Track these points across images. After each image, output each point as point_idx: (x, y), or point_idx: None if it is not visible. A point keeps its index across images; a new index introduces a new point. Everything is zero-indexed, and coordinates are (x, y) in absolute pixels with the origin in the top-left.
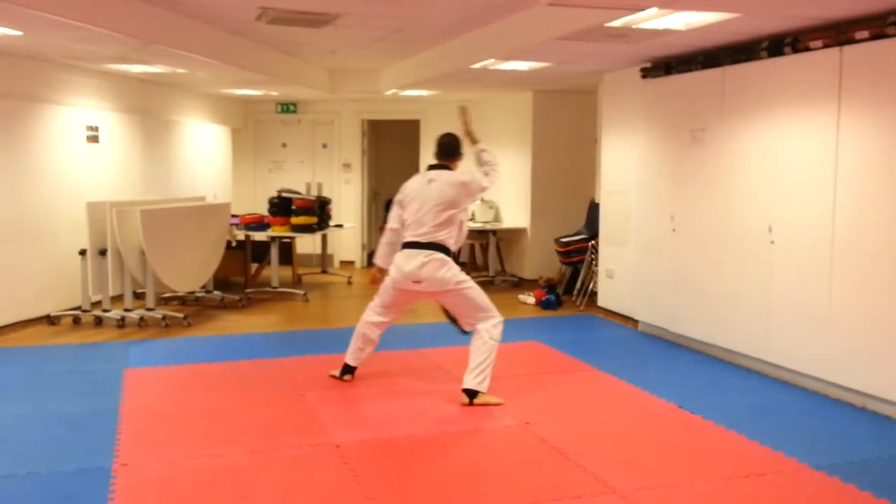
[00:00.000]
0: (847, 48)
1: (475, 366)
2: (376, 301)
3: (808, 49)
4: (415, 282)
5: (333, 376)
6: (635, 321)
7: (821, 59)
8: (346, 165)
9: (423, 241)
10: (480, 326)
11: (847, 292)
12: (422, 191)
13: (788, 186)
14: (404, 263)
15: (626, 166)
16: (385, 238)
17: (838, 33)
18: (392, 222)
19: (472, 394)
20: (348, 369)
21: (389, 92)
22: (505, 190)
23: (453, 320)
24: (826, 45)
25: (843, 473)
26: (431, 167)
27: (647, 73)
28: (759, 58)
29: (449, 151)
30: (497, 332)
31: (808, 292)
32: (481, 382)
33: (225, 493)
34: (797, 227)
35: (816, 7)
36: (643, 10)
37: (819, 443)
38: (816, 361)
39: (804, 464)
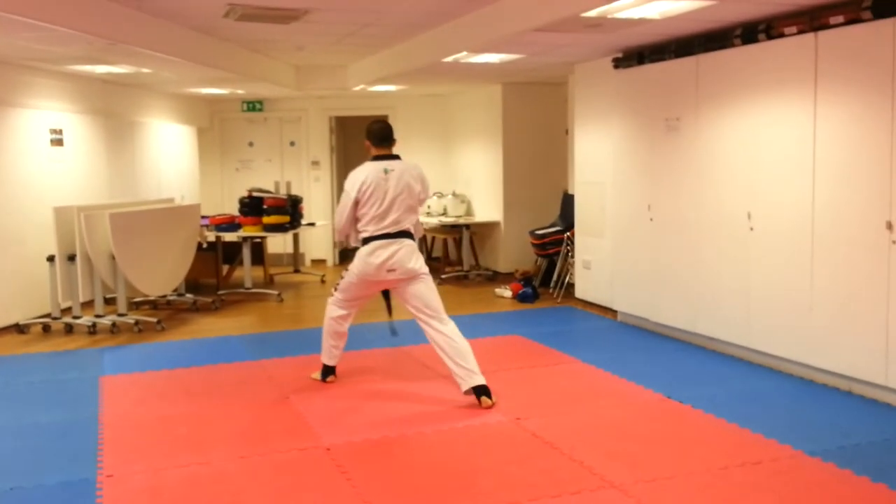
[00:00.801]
0: (822, 33)
1: (472, 362)
2: (338, 296)
3: (782, 35)
4: (389, 270)
5: (315, 380)
6: (614, 311)
7: (795, 46)
8: (315, 163)
9: (392, 231)
10: (448, 329)
11: (828, 277)
12: (380, 183)
13: (767, 173)
14: (374, 257)
15: (600, 157)
16: (338, 239)
17: (812, 19)
18: (345, 224)
19: (487, 390)
20: (329, 370)
21: (357, 88)
22: (477, 184)
23: (389, 313)
24: (801, 31)
25: (837, 459)
26: (380, 157)
27: (619, 63)
28: (732, 45)
29: (389, 137)
30: None
31: (788, 278)
32: None
33: (215, 501)
34: (776, 213)
35: None
36: None
37: (810, 429)
38: (800, 347)
39: (798, 450)
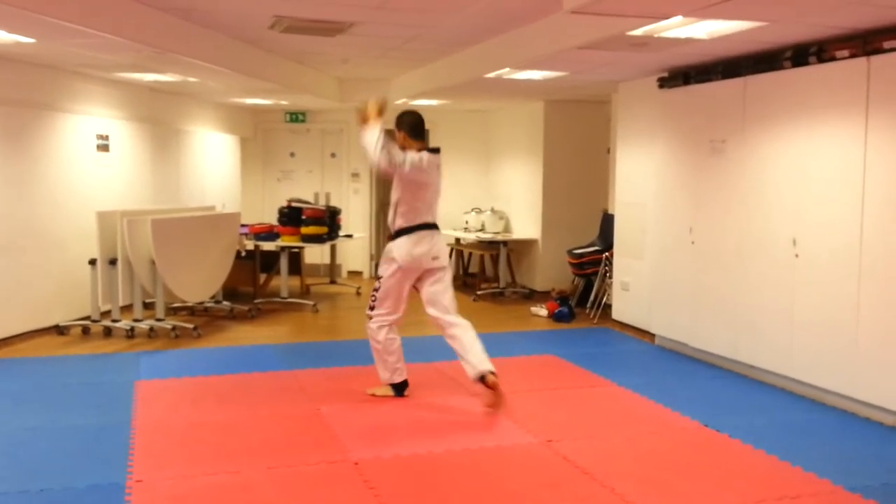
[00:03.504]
0: (875, 58)
1: (480, 349)
2: (378, 312)
3: (833, 59)
4: (434, 258)
5: (387, 395)
6: (651, 335)
7: (847, 69)
8: (355, 175)
9: (431, 221)
10: (459, 320)
11: (876, 307)
12: (431, 176)
13: (814, 199)
14: (420, 246)
15: (642, 177)
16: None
17: (865, 42)
18: (382, 164)
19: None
20: (402, 385)
21: (400, 101)
22: (516, 200)
23: None
24: (853, 55)
25: (879, 496)
26: (427, 149)
27: (664, 82)
28: (782, 67)
29: (424, 129)
30: None
31: (834, 307)
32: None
33: None
34: (823, 240)
35: (844, 16)
36: (668, 18)
37: (851, 464)
38: (844, 378)
39: (838, 485)
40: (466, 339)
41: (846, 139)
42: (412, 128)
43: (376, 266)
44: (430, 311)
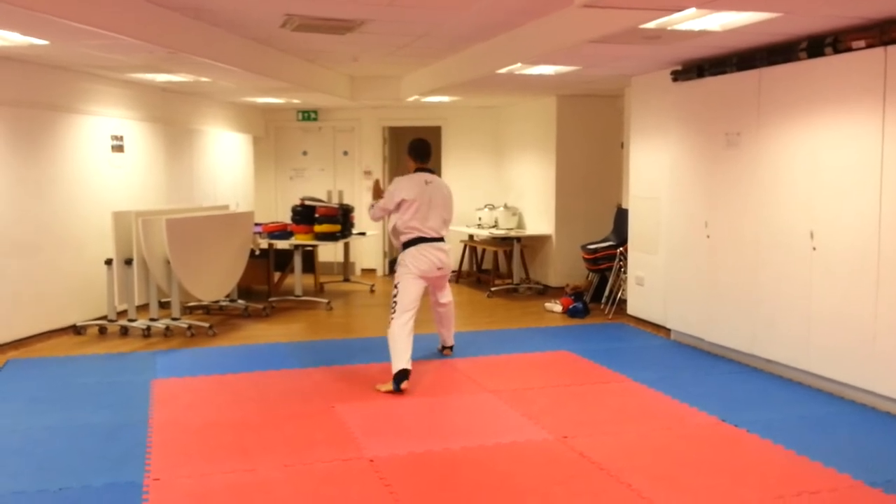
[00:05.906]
0: (892, 48)
1: (452, 326)
2: (404, 305)
3: (850, 49)
4: (439, 269)
5: (390, 391)
6: (667, 330)
7: (864, 60)
8: (367, 173)
9: (437, 236)
10: (449, 300)
11: (894, 299)
12: (422, 192)
13: (831, 191)
14: (430, 255)
15: (656, 171)
16: (393, 235)
17: (882, 32)
18: (380, 217)
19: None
20: (405, 374)
21: (411, 98)
22: (529, 196)
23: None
24: (869, 45)
25: None
26: (422, 170)
27: (678, 75)
28: (797, 59)
29: (429, 153)
30: None
31: (852, 300)
32: None
33: None
34: (841, 233)
35: (860, 6)
36: (681, 10)
37: (872, 458)
38: (863, 372)
39: (858, 480)
40: (448, 315)
41: (863, 131)
42: (416, 151)
43: (390, 264)
44: (435, 295)
